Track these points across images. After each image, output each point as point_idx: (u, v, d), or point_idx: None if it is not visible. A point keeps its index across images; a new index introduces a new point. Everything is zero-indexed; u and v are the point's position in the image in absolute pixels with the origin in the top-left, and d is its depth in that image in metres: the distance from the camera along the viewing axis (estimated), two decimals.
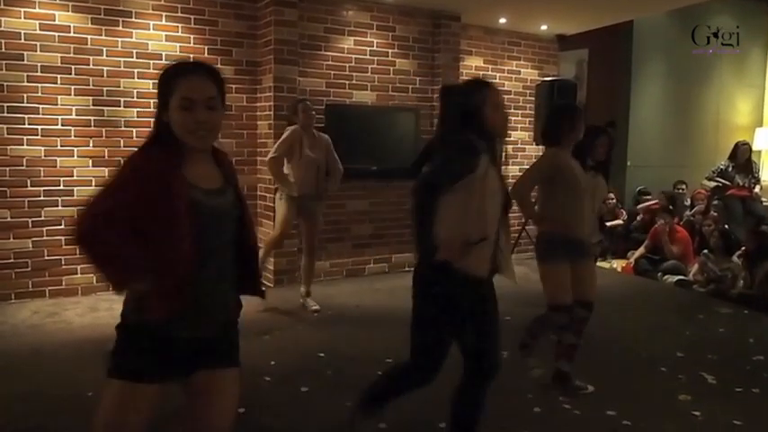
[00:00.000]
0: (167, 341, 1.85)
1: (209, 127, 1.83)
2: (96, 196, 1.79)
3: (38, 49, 5.28)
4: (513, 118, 7.84)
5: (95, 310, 5.18)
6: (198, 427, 2.01)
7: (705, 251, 6.56)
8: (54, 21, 5.33)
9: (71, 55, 5.41)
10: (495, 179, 2.49)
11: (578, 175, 3.49)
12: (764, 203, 8.35)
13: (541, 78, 7.55)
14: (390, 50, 6.73)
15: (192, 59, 2.05)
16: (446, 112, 2.65)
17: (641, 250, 7.31)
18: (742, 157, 8.01)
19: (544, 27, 7.64)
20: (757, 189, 8.19)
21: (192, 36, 5.88)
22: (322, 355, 4.07)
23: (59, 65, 5.37)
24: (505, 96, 7.71)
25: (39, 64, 5.29)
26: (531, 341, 3.68)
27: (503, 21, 7.31)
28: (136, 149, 1.88)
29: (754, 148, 8.97)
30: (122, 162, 1.85)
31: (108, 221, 1.75)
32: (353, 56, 6.49)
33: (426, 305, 2.62)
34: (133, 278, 1.78)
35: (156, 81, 1.88)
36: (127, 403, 1.91)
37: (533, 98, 7.72)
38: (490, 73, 7.64)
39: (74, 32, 5.41)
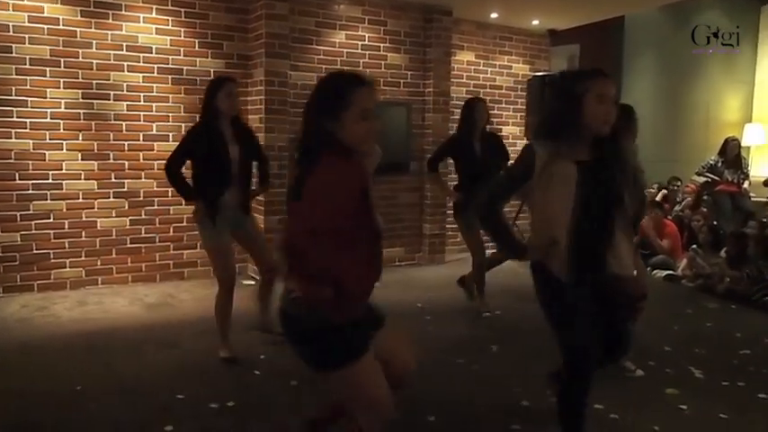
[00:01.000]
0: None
1: (376, 135, 2.13)
2: (310, 211, 1.99)
3: (26, 42, 5.25)
4: (504, 113, 7.87)
5: (84, 304, 5.16)
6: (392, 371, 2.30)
7: (694, 246, 6.60)
8: (43, 13, 5.29)
9: (60, 47, 5.37)
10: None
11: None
12: (753, 199, 8.40)
13: (533, 73, 7.56)
14: (382, 45, 6.72)
15: (355, 72, 2.21)
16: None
17: None
18: (731, 153, 8.05)
19: (536, 22, 7.65)
20: (746, 185, 8.23)
21: (182, 29, 5.85)
22: None
23: (48, 57, 5.33)
24: (496, 91, 7.78)
25: (27, 56, 5.25)
26: None
27: (494, 15, 7.31)
28: (325, 164, 2.03)
29: (743, 143, 9.02)
30: (321, 177, 2.02)
31: (318, 236, 1.96)
32: (345, 50, 6.48)
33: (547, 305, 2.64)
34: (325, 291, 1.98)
35: (327, 88, 2.13)
36: (375, 368, 2.20)
37: (524, 93, 7.72)
38: (482, 68, 7.65)
39: (63, 25, 5.37)
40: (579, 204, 2.41)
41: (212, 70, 5.98)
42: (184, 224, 5.91)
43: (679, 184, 8.67)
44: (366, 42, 6.61)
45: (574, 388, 2.67)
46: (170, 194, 5.65)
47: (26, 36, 5.24)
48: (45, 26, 5.31)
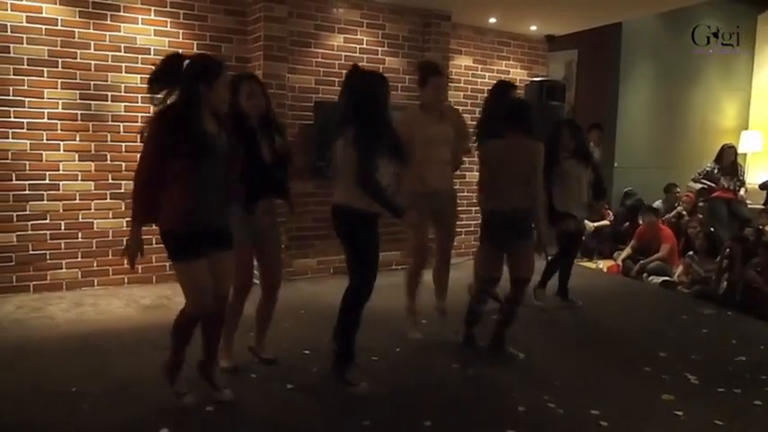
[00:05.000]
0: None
1: None
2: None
3: (24, 42, 5.23)
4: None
5: (80, 305, 5.15)
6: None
7: (690, 253, 6.62)
8: (41, 13, 5.28)
9: (58, 48, 5.36)
10: None
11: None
12: (749, 206, 8.42)
13: (530, 79, 7.58)
14: (380, 48, 6.73)
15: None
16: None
17: (627, 251, 7.35)
18: (727, 160, 8.08)
19: (534, 27, 7.67)
20: (742, 192, 8.26)
21: (180, 31, 5.85)
22: (307, 352, 4.07)
23: (46, 58, 5.32)
24: None
25: (25, 57, 5.24)
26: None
27: (492, 21, 7.33)
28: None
29: (740, 150, 9.05)
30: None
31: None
32: (343, 53, 6.48)
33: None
34: None
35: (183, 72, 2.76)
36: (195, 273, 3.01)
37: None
38: (479, 72, 7.67)
39: (61, 25, 5.37)
40: None
41: None
42: None
43: (678, 190, 8.65)
44: (364, 46, 6.62)
45: (362, 298, 3.49)
46: None
47: (24, 36, 5.23)
48: (43, 26, 5.30)
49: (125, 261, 3.02)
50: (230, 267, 3.25)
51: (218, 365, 3.50)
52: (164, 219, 3.01)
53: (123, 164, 5.60)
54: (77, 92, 5.47)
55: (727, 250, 5.99)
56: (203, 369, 3.38)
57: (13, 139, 5.26)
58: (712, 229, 7.02)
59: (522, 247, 4.03)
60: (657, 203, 8.25)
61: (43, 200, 5.40)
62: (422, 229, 4.46)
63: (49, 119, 5.37)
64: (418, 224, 4.32)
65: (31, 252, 5.40)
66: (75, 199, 5.54)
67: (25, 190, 5.35)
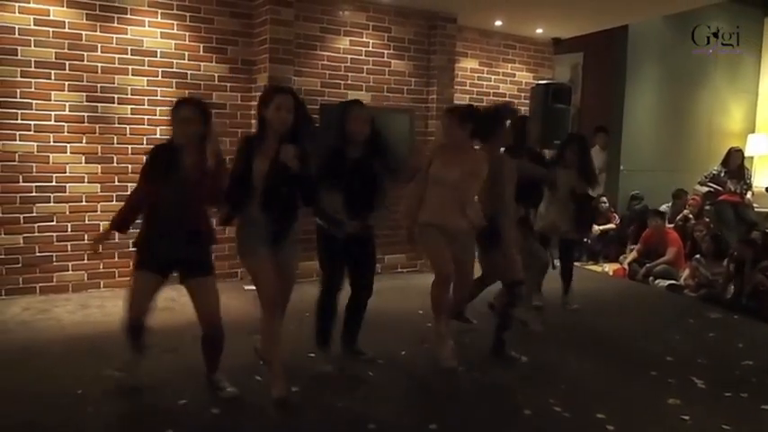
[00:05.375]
0: None
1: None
2: None
3: (32, 45, 5.26)
4: (507, 121, 7.86)
5: (86, 307, 5.16)
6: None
7: (697, 256, 6.59)
8: (49, 16, 5.31)
9: (65, 51, 5.38)
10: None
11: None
12: (756, 209, 8.39)
13: (536, 81, 7.57)
14: (386, 51, 6.73)
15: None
16: None
17: (633, 254, 7.33)
18: (734, 163, 8.05)
19: (540, 30, 7.66)
20: (749, 195, 8.22)
21: (187, 33, 5.87)
22: (312, 355, 4.07)
23: (53, 60, 5.35)
24: (500, 99, 7.78)
25: (32, 59, 5.27)
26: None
27: (498, 23, 7.32)
28: None
29: (747, 154, 9.00)
30: None
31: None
32: (349, 56, 6.49)
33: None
34: None
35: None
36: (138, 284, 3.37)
37: (528, 101, 7.73)
38: (485, 75, 7.66)
39: (68, 28, 5.39)
40: None
41: (216, 75, 5.99)
42: None
43: (688, 197, 8.59)
44: (370, 49, 6.62)
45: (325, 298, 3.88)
46: None
47: (31, 39, 5.26)
48: (50, 29, 5.32)
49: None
50: (211, 291, 3.36)
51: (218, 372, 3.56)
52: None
53: (130, 166, 5.61)
54: (84, 94, 5.49)
55: (735, 253, 5.96)
56: (206, 376, 3.53)
57: (20, 141, 5.29)
58: (719, 233, 6.98)
59: (504, 251, 4.11)
60: (664, 207, 8.23)
61: (50, 202, 5.42)
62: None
63: (55, 121, 5.39)
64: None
65: (38, 254, 5.42)
66: (82, 201, 5.55)
67: (32, 192, 5.37)
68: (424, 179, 4.06)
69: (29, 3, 5.23)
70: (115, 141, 5.63)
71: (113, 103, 5.61)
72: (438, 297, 3.96)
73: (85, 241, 5.57)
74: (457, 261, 3.97)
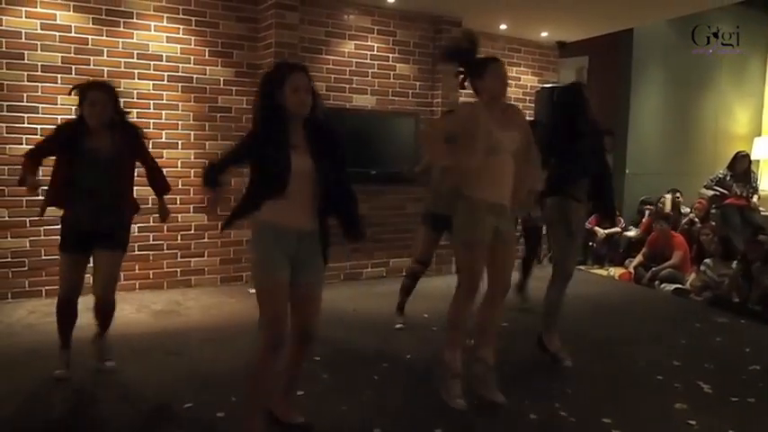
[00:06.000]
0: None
1: None
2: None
3: (38, 49, 5.28)
4: None
5: (91, 310, 5.14)
6: None
7: (706, 260, 6.55)
8: (55, 20, 5.33)
9: (72, 55, 5.41)
10: None
11: None
12: (762, 213, 8.35)
13: (541, 85, 7.56)
14: (391, 55, 6.74)
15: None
16: None
17: (639, 258, 7.31)
18: (740, 168, 8.02)
19: (545, 34, 7.66)
20: (755, 199, 8.19)
21: (192, 38, 5.89)
22: (318, 358, 4.06)
23: (60, 65, 5.37)
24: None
25: (39, 63, 5.29)
26: None
27: (503, 27, 7.32)
28: None
29: (753, 157, 8.97)
30: None
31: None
32: (354, 60, 6.50)
33: None
34: None
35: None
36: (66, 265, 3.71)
37: (533, 105, 7.72)
38: None
39: (75, 32, 5.41)
40: None
41: (222, 79, 6.01)
42: (192, 232, 5.92)
43: (679, 195, 8.57)
44: (375, 52, 6.63)
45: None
46: (178, 202, 5.67)
47: (38, 43, 5.28)
48: (57, 33, 5.35)
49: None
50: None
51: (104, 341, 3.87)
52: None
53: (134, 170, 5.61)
54: None
55: (745, 254, 5.93)
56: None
57: (26, 144, 5.27)
58: (727, 234, 6.95)
59: None
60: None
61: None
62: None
63: None
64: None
65: (44, 257, 5.43)
66: None
67: (38, 195, 5.35)
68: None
69: (35, 7, 5.25)
70: None
71: None
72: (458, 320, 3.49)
73: None
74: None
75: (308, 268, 2.93)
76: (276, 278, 2.80)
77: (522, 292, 5.54)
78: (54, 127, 3.87)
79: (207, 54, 5.96)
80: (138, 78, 5.68)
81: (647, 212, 8.42)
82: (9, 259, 5.31)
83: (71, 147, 3.55)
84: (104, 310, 3.74)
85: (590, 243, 8.06)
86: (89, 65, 5.48)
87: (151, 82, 5.72)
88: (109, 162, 3.56)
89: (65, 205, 3.66)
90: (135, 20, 5.64)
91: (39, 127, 5.31)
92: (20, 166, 3.68)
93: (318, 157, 2.83)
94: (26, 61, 5.25)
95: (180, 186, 5.64)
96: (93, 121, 3.56)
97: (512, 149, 3.41)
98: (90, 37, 5.48)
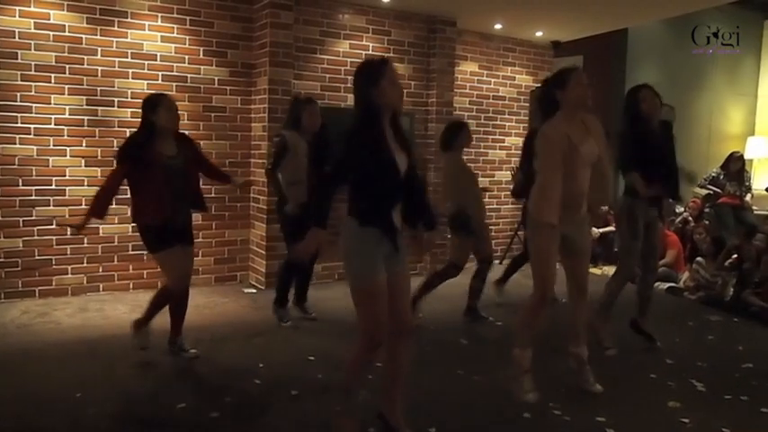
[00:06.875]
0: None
1: None
2: None
3: (32, 48, 5.27)
4: (507, 124, 7.88)
5: (85, 310, 5.16)
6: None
7: (699, 259, 6.58)
8: (49, 20, 5.32)
9: (65, 54, 5.39)
10: None
11: None
12: (756, 212, 8.39)
13: (536, 84, 7.57)
14: (386, 54, 6.73)
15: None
16: None
17: None
18: (734, 168, 8.06)
19: (539, 33, 7.68)
20: (748, 197, 8.23)
21: (187, 37, 5.88)
22: (312, 358, 4.07)
23: (54, 64, 5.35)
24: (499, 102, 7.79)
25: (33, 63, 5.28)
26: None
27: (498, 26, 7.34)
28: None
29: (746, 156, 9.02)
30: None
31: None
32: (349, 59, 6.50)
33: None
34: None
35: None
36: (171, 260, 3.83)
37: (527, 104, 7.75)
38: (485, 78, 7.67)
39: (69, 32, 5.40)
40: None
41: (216, 78, 6.01)
42: None
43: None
44: (370, 52, 6.63)
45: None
46: None
47: (32, 42, 5.26)
48: (51, 33, 5.33)
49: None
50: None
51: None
52: None
53: None
54: (84, 98, 5.49)
55: (740, 250, 5.96)
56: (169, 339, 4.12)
57: (20, 144, 5.29)
58: (720, 234, 6.98)
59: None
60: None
61: (49, 205, 5.42)
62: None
63: (55, 125, 5.40)
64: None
65: (37, 257, 5.42)
66: (82, 204, 5.53)
67: (32, 195, 5.37)
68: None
69: (29, 6, 5.24)
70: (115, 145, 5.59)
71: (113, 106, 5.61)
72: (532, 321, 3.53)
73: (85, 245, 5.58)
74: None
75: (400, 262, 2.85)
76: (378, 281, 2.74)
77: (499, 286, 5.71)
78: (119, 147, 4.03)
79: (201, 53, 5.95)
80: (133, 78, 5.67)
81: None
82: (2, 259, 5.30)
83: (148, 155, 3.77)
84: (184, 303, 4.08)
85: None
86: (83, 64, 5.46)
87: (145, 81, 5.71)
88: (180, 164, 3.86)
89: (151, 209, 3.80)
90: (129, 19, 5.63)
91: (32, 126, 5.30)
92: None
93: (408, 151, 2.84)
94: (19, 60, 5.23)
95: None
96: (171, 124, 3.87)
97: (592, 162, 3.47)
98: (84, 36, 5.46)
